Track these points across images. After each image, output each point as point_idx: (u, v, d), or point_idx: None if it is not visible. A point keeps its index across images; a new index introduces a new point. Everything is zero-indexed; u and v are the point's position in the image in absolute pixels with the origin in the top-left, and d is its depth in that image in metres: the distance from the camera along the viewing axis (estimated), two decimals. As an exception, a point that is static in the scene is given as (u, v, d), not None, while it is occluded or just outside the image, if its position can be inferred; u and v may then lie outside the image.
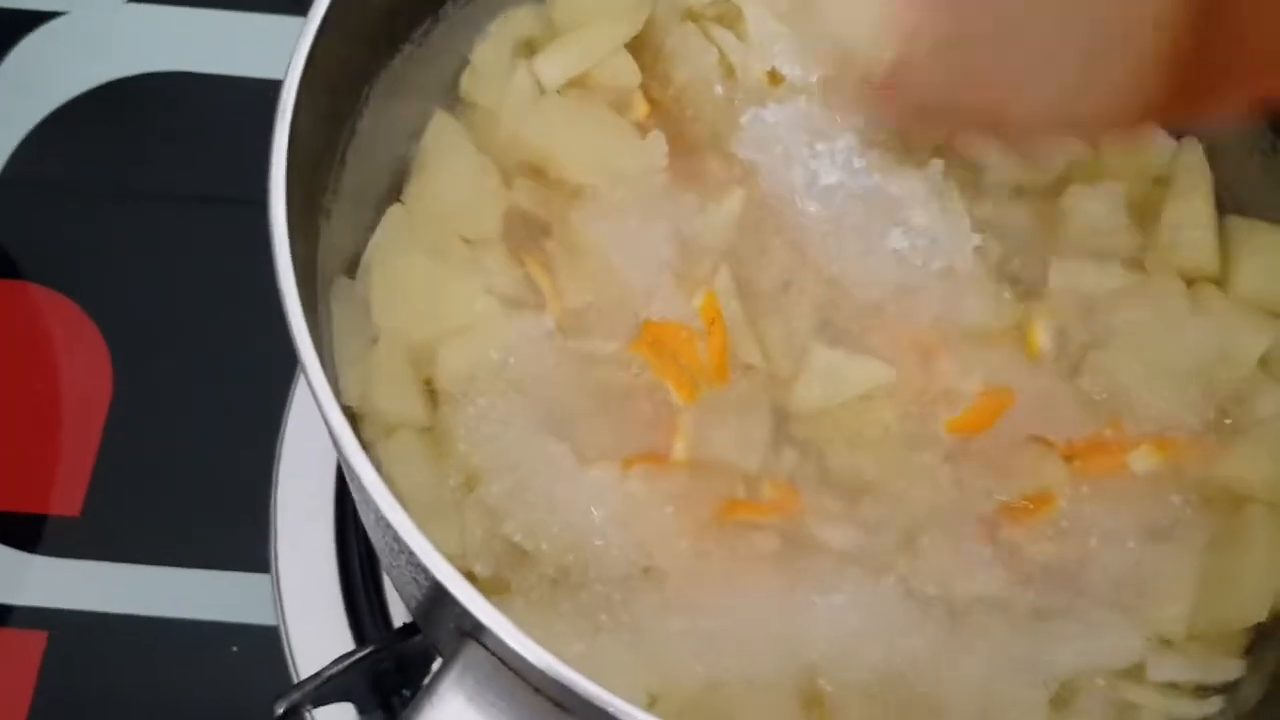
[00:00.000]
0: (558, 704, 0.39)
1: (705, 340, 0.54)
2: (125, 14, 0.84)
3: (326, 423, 0.41)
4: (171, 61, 0.82)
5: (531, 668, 0.38)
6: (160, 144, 0.80)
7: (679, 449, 0.52)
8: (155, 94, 0.82)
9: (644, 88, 0.59)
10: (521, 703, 0.40)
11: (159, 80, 0.82)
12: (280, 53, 0.91)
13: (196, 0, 0.84)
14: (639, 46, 0.60)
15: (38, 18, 0.83)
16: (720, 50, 0.60)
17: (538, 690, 0.40)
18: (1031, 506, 0.52)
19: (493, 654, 0.40)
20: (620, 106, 0.59)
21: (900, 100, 0.51)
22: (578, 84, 0.58)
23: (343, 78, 0.51)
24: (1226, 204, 0.58)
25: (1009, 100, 0.48)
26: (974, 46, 0.48)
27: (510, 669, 0.40)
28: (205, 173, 0.79)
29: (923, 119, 0.54)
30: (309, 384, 0.41)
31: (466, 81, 0.58)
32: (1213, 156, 0.58)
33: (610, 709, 0.37)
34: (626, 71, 0.59)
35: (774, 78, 0.60)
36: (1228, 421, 0.54)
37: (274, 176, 0.43)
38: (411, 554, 0.39)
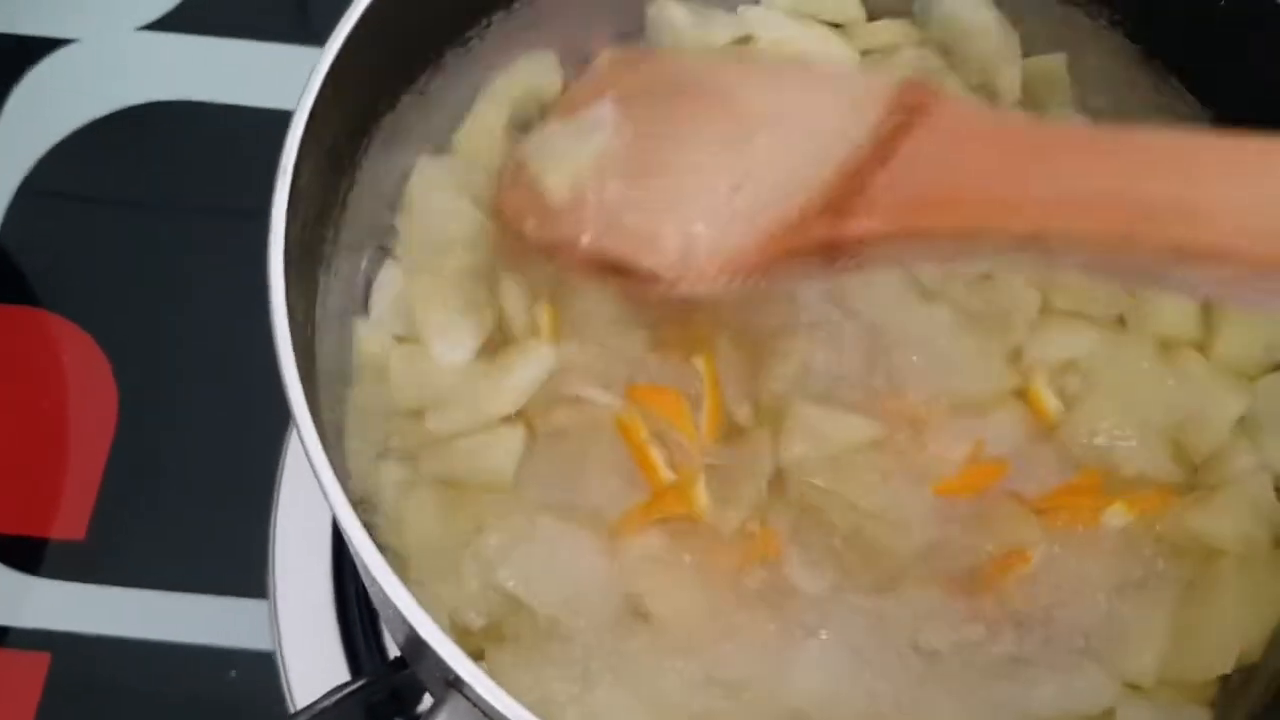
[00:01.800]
0: (536, 755, 0.41)
1: (693, 404, 0.55)
2: (136, 42, 0.86)
3: (323, 489, 0.42)
4: (181, 89, 0.84)
5: (508, 720, 0.40)
6: (169, 171, 0.82)
7: (677, 504, 0.53)
8: (165, 121, 0.83)
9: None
10: (502, 752, 0.42)
11: (169, 108, 0.84)
12: (288, 82, 0.92)
13: (206, 29, 0.86)
14: None
15: (49, 45, 0.85)
16: None
17: (518, 742, 0.41)
18: (1007, 559, 0.53)
19: (474, 705, 0.41)
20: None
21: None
22: None
23: (344, 129, 0.53)
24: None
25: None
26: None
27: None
28: (213, 199, 0.81)
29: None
30: (311, 467, 0.42)
31: (460, 139, 0.59)
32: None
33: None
34: None
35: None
36: (1201, 477, 0.55)
37: (273, 241, 0.44)
38: (396, 609, 0.40)
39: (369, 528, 0.49)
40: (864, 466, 0.54)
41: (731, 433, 0.55)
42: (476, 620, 0.50)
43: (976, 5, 0.63)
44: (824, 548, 0.53)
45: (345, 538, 0.42)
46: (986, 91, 0.63)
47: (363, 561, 0.41)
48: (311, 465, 0.41)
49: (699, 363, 0.54)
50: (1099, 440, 0.54)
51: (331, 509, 0.42)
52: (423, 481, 0.53)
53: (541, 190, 0.51)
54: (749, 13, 0.64)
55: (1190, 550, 0.54)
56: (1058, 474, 0.54)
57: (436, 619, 0.40)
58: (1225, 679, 0.52)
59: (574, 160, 0.51)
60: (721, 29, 0.62)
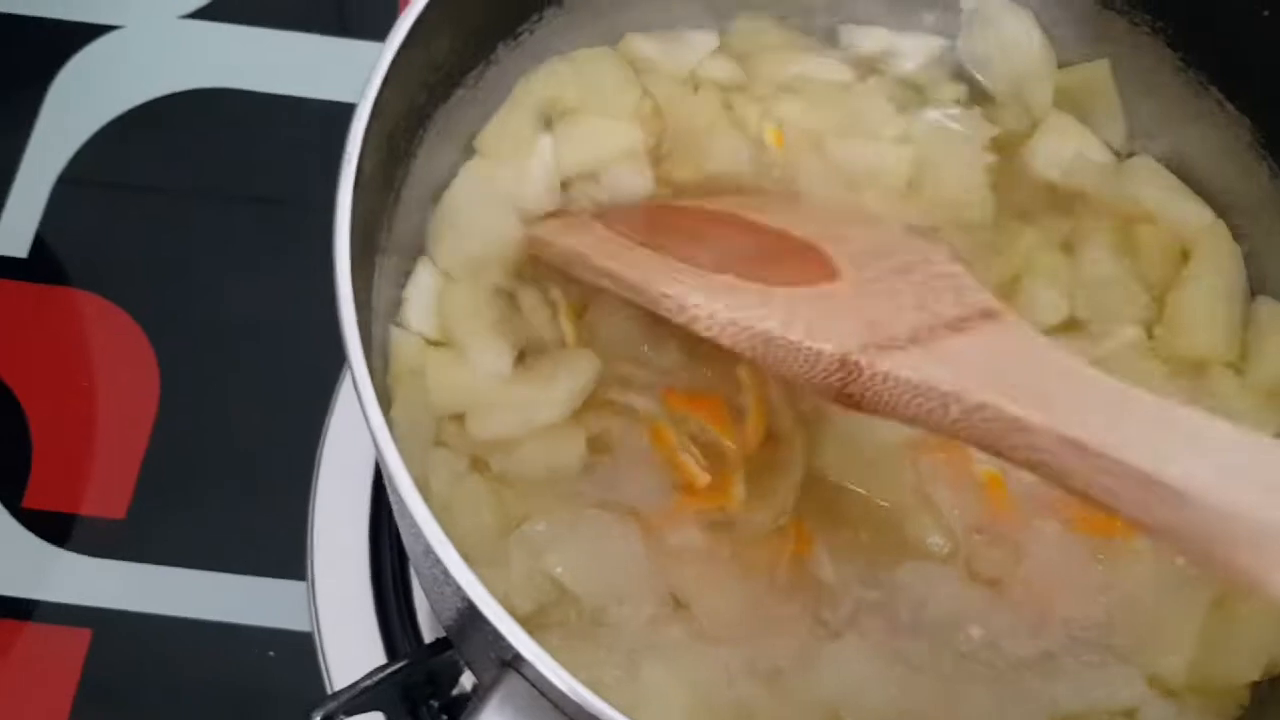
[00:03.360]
0: (593, 735, 0.42)
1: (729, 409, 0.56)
2: (179, 30, 0.87)
3: (389, 475, 0.43)
4: (223, 78, 0.85)
5: (568, 700, 0.41)
6: (211, 157, 0.83)
7: (713, 501, 0.54)
8: (206, 109, 0.84)
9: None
10: (557, 732, 0.43)
11: (210, 96, 0.85)
12: (330, 72, 0.94)
13: (249, 19, 0.87)
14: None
15: (94, 31, 0.86)
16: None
17: (572, 720, 0.42)
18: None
19: (532, 685, 0.42)
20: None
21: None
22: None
23: (403, 122, 0.54)
24: (1257, 283, 0.60)
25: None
26: None
27: (548, 700, 0.42)
28: (254, 185, 0.82)
29: None
30: (377, 451, 0.43)
31: (485, 140, 0.60)
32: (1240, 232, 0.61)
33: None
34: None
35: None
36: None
37: (339, 231, 0.45)
38: (459, 588, 0.41)
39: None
40: (897, 467, 0.55)
41: (768, 437, 0.56)
42: (523, 606, 0.51)
43: (1020, 19, 0.64)
44: (853, 544, 0.54)
45: (402, 512, 0.43)
46: (1019, 104, 0.64)
47: (423, 537, 0.42)
48: (378, 448, 0.42)
49: (742, 372, 0.55)
50: None
51: (393, 486, 0.43)
52: (474, 474, 0.54)
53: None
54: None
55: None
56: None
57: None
58: (1255, 688, 0.53)
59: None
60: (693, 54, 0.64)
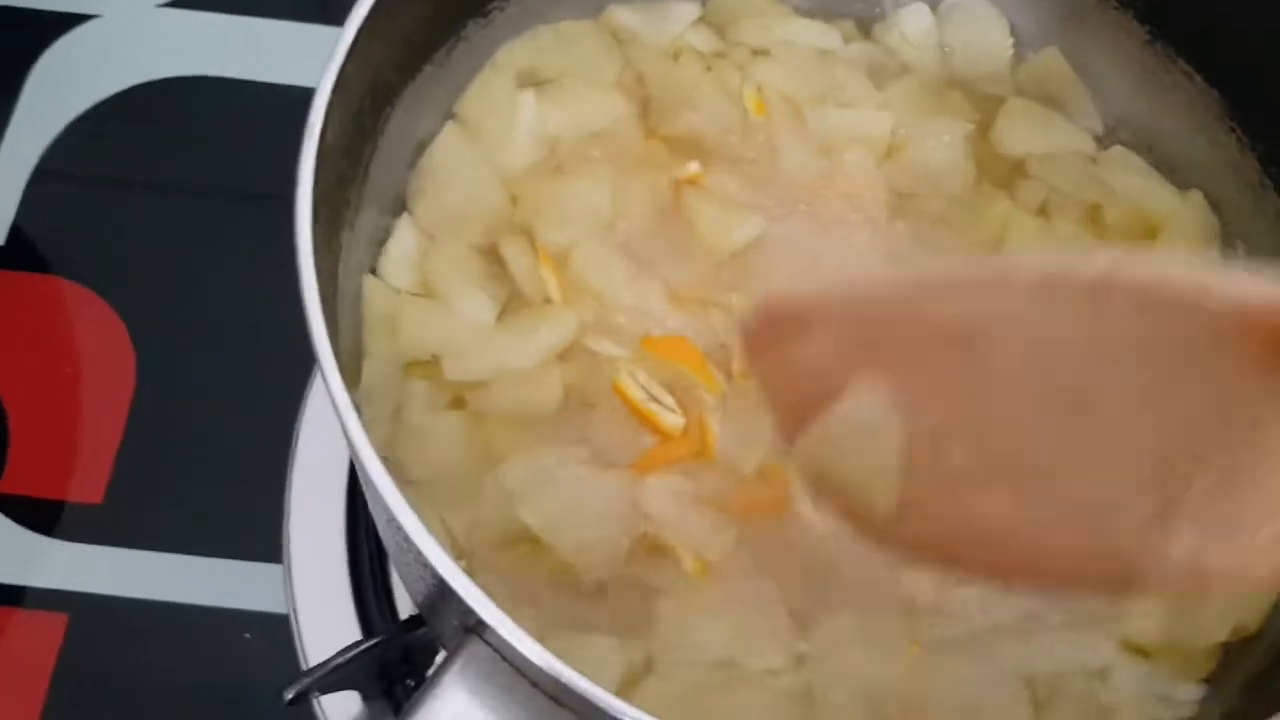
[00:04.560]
0: (555, 699, 0.42)
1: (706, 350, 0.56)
2: (157, 18, 0.87)
3: (346, 433, 0.43)
4: (202, 66, 0.85)
5: (530, 664, 0.41)
6: (188, 145, 0.83)
7: (689, 447, 0.55)
8: (184, 97, 0.84)
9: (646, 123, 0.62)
10: (521, 697, 0.43)
11: (189, 84, 0.85)
12: (308, 59, 0.93)
13: (227, 6, 0.87)
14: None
15: (71, 20, 0.86)
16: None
17: (535, 685, 0.42)
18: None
19: (494, 650, 0.42)
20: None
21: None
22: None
23: (369, 98, 0.54)
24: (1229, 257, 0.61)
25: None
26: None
27: (510, 664, 0.42)
28: (231, 172, 0.82)
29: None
30: (338, 416, 0.43)
31: (466, 105, 0.60)
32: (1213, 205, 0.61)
33: (604, 705, 0.40)
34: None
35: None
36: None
37: (300, 198, 0.45)
38: (419, 552, 0.41)
39: (385, 463, 0.51)
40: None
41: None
42: (488, 552, 0.52)
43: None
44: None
45: (364, 478, 0.43)
46: (989, 85, 0.65)
47: (383, 503, 0.42)
48: (335, 406, 0.43)
49: (736, 300, 0.56)
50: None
51: (353, 450, 0.43)
52: (451, 409, 0.54)
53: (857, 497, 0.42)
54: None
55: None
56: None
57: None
58: (1225, 649, 0.53)
59: (881, 466, 0.41)
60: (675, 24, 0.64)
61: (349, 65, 0.49)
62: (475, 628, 0.42)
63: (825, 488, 0.42)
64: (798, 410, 0.42)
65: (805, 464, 0.43)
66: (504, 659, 0.42)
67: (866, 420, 0.40)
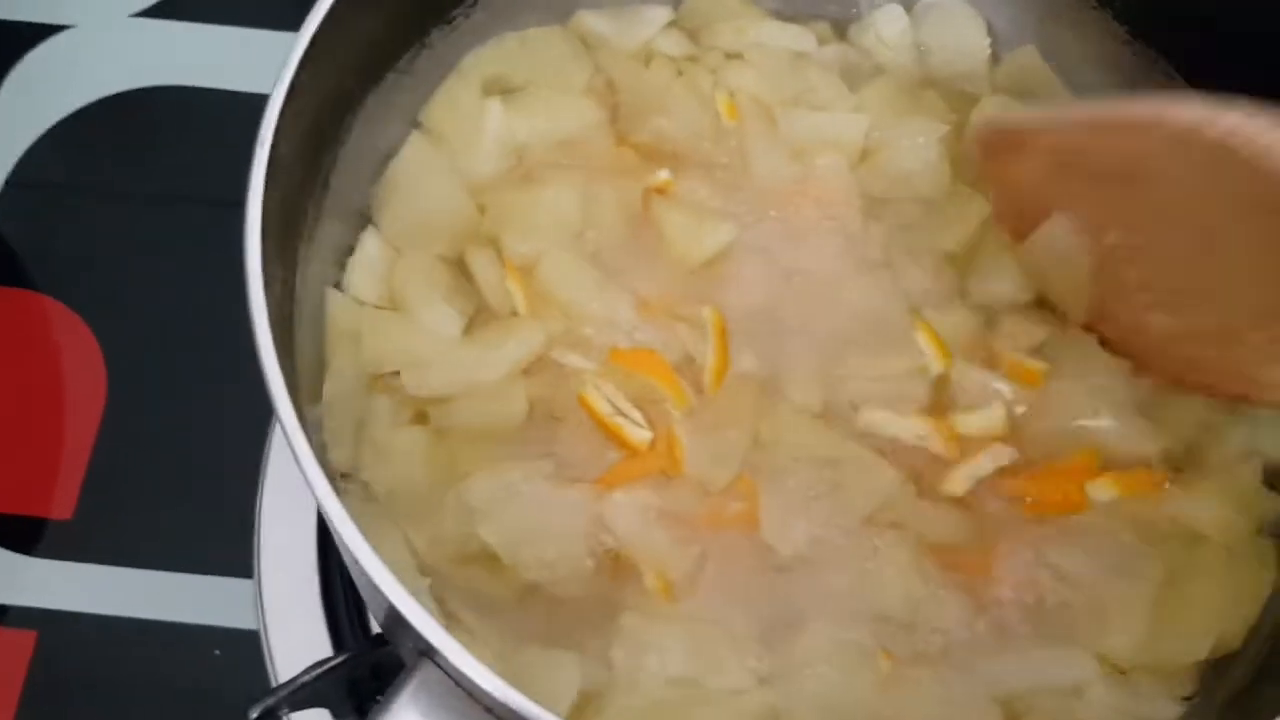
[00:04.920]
0: (505, 722, 0.41)
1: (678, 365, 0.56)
2: (130, 28, 0.86)
3: (299, 463, 0.42)
4: (175, 75, 0.84)
5: (480, 689, 0.40)
6: (161, 154, 0.82)
7: (656, 462, 0.54)
8: (158, 107, 0.84)
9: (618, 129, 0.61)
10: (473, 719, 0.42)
11: (162, 93, 0.84)
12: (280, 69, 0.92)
13: (200, 16, 0.86)
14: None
15: (45, 31, 0.85)
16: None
17: (489, 710, 0.41)
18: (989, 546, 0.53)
19: (446, 673, 0.41)
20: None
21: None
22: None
23: (328, 107, 0.53)
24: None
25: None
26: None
27: (462, 688, 0.41)
28: (203, 182, 0.81)
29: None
30: (284, 432, 0.42)
31: (432, 114, 0.59)
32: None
33: (556, 729, 0.39)
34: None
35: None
36: (1191, 459, 0.55)
37: (250, 209, 0.45)
38: (367, 575, 0.40)
39: (349, 478, 0.50)
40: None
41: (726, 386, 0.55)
42: (447, 568, 0.51)
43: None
44: (804, 498, 0.53)
45: (316, 499, 0.42)
46: (966, 84, 0.64)
47: (336, 530, 0.41)
48: (280, 422, 0.42)
49: (707, 313, 0.55)
50: (1076, 422, 0.54)
51: (300, 468, 0.42)
52: (414, 425, 0.54)
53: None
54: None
55: (1174, 536, 0.54)
56: (1043, 457, 0.55)
57: (407, 578, 0.41)
58: (1207, 668, 0.52)
59: (1075, 279, 0.54)
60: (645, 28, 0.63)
61: (303, 73, 0.48)
62: (427, 651, 0.41)
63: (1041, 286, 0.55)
64: (1016, 216, 0.56)
65: (1026, 267, 0.56)
66: (456, 683, 0.41)
67: (1065, 243, 0.53)
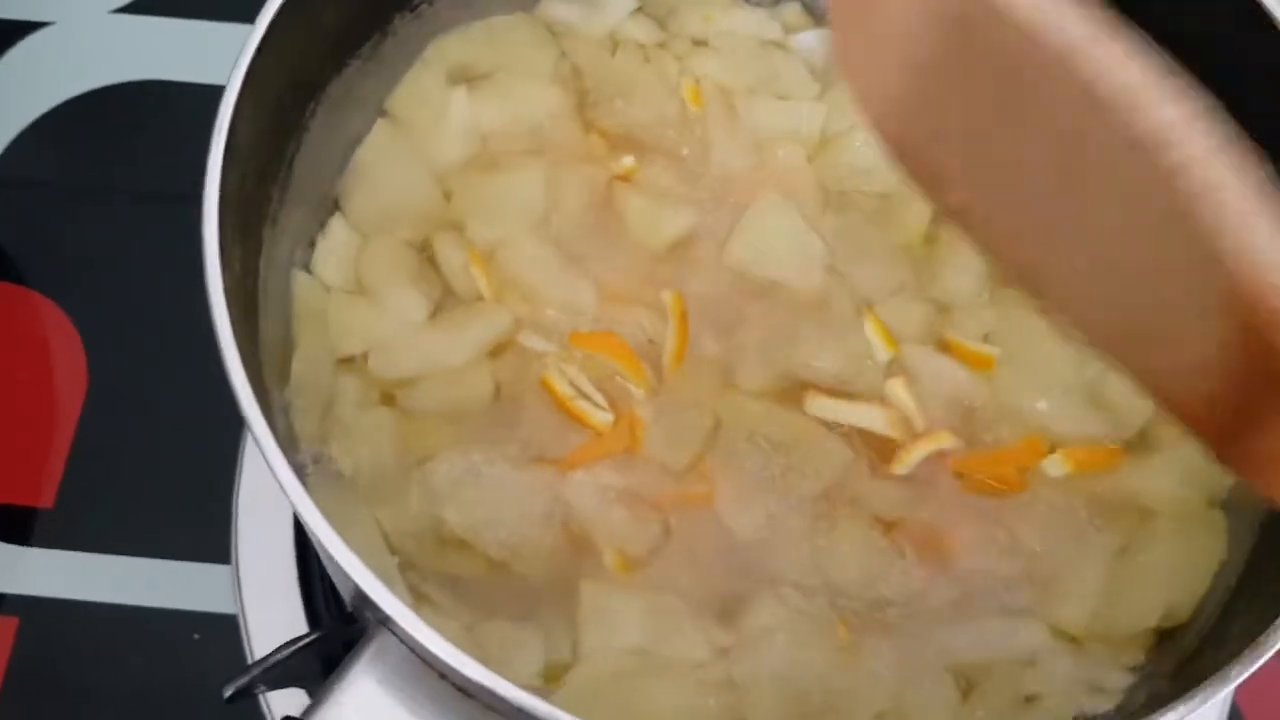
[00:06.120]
0: (461, 689, 0.42)
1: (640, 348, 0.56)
2: (110, 24, 0.87)
3: (254, 438, 0.43)
4: (155, 70, 0.85)
5: (434, 656, 0.40)
6: (141, 149, 0.83)
7: (618, 443, 0.55)
8: (139, 101, 0.84)
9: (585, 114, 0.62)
10: (429, 688, 0.43)
11: (142, 87, 0.85)
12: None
13: (180, 11, 0.87)
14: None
15: (26, 27, 0.86)
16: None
17: (443, 676, 0.42)
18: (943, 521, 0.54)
19: (402, 641, 0.42)
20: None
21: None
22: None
23: (289, 93, 0.54)
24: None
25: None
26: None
27: (418, 655, 0.42)
28: (181, 175, 0.81)
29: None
30: (240, 406, 0.43)
31: (397, 102, 0.60)
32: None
33: (507, 696, 0.40)
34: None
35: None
36: (1141, 437, 0.56)
37: (208, 193, 0.46)
38: (322, 544, 0.41)
39: (320, 460, 0.51)
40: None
41: (686, 369, 0.56)
42: (411, 548, 0.52)
43: None
44: (760, 479, 0.54)
45: (270, 468, 0.43)
46: None
47: (293, 503, 0.42)
48: (238, 399, 0.43)
49: (667, 297, 0.56)
50: (1026, 405, 0.54)
51: (254, 438, 0.43)
52: (381, 406, 0.55)
53: None
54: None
55: (1126, 510, 0.54)
56: (994, 441, 0.56)
57: (375, 554, 0.41)
58: (1156, 638, 0.53)
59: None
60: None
61: (261, 60, 0.49)
62: (384, 620, 0.42)
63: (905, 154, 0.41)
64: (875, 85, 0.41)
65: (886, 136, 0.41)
66: (412, 650, 0.42)
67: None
